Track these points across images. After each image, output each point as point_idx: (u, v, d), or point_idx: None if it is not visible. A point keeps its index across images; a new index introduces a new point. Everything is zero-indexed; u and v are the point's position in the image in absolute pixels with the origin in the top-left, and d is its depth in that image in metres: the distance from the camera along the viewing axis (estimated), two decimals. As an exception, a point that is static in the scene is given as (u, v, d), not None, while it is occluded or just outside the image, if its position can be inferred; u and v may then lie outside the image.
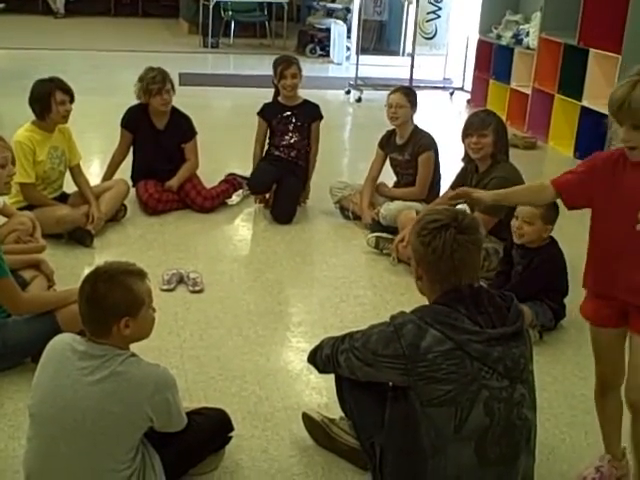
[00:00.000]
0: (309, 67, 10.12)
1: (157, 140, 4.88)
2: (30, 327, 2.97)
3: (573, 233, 4.82)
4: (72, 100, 4.30)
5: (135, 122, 4.90)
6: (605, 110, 6.57)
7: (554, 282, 3.60)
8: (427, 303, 2.26)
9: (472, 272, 2.21)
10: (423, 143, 4.63)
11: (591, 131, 6.55)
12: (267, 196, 5.06)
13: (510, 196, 2.81)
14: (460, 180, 4.24)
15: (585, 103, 6.62)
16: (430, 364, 2.09)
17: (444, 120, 7.93)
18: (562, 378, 3.25)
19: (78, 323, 2.29)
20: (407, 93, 4.67)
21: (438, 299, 2.21)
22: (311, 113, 4.99)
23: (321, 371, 2.54)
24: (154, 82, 4.72)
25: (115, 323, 2.21)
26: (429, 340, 2.10)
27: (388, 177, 4.91)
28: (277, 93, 5.02)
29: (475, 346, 2.09)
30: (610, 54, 6.33)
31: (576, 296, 3.87)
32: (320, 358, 2.47)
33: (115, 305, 2.20)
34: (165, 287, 3.82)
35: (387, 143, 4.80)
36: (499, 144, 3.99)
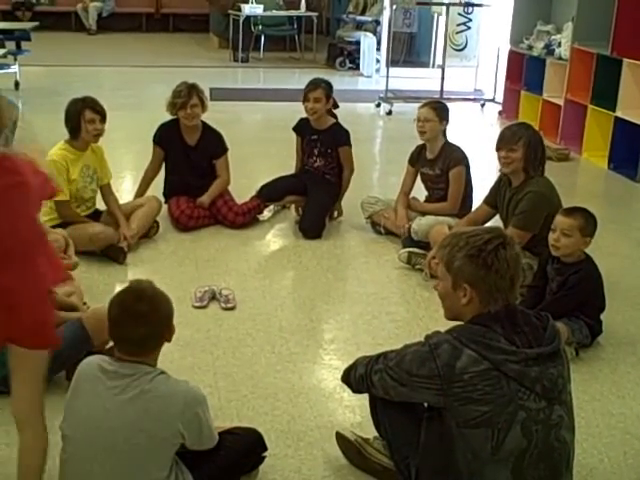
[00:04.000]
0: (339, 80, 10.14)
1: (188, 156, 4.91)
2: (60, 336, 2.99)
3: (608, 246, 4.77)
4: (103, 120, 4.32)
5: (167, 138, 4.93)
6: (639, 120, 6.49)
7: (590, 299, 3.54)
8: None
9: (518, 288, 2.21)
10: (454, 157, 4.59)
11: (626, 142, 6.49)
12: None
13: None
14: (494, 194, 4.20)
15: (619, 114, 6.53)
16: (466, 385, 2.07)
17: (476, 132, 7.89)
18: (599, 396, 3.19)
19: (104, 325, 2.32)
20: (435, 107, 4.62)
21: (474, 319, 2.18)
22: (336, 140, 4.97)
23: (355, 391, 2.52)
24: (179, 96, 4.75)
25: (165, 336, 2.28)
26: (465, 360, 2.08)
27: (420, 192, 4.88)
28: None
29: (512, 366, 2.06)
30: (644, 64, 6.26)
31: (612, 312, 3.85)
32: (354, 378, 2.45)
33: (167, 317, 2.28)
34: (198, 304, 3.83)
35: (417, 158, 4.77)
36: (531, 158, 3.92)
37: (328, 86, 4.94)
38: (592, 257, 3.58)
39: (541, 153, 3.97)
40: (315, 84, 4.91)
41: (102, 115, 4.31)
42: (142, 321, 2.22)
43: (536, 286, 3.66)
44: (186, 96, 4.74)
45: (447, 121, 4.64)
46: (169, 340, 2.33)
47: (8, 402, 2.92)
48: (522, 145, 3.92)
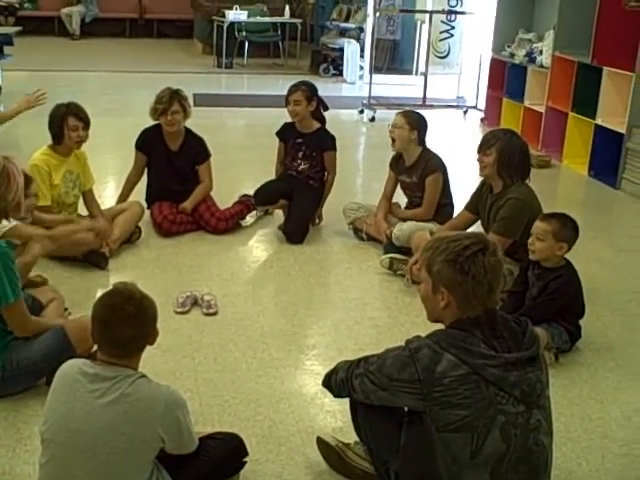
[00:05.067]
0: (322, 87, 10.08)
1: (171, 162, 4.91)
2: (41, 344, 3.01)
3: (588, 252, 4.82)
4: (87, 127, 4.32)
5: (149, 144, 4.93)
6: (619, 128, 6.58)
7: (570, 305, 3.57)
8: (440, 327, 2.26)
9: (498, 294, 2.22)
10: (430, 165, 4.60)
11: (606, 149, 6.55)
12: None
13: None
14: (475, 200, 4.23)
15: (599, 121, 6.60)
16: (445, 389, 2.09)
17: (458, 139, 7.94)
18: (578, 401, 3.22)
19: (87, 333, 2.33)
20: (407, 115, 4.63)
21: (454, 323, 2.20)
22: (321, 144, 4.99)
23: (336, 395, 2.53)
24: (161, 102, 4.75)
25: (150, 338, 2.31)
26: (445, 365, 2.10)
27: (402, 199, 4.90)
28: None
29: (491, 370, 2.08)
30: (624, 72, 6.33)
31: (592, 317, 3.89)
32: (335, 382, 2.46)
33: (153, 320, 2.31)
34: (179, 310, 3.83)
35: (396, 165, 4.80)
36: (504, 164, 3.92)
37: (309, 88, 4.94)
38: (572, 263, 3.62)
39: (518, 160, 3.96)
40: (295, 86, 4.94)
41: (85, 122, 4.31)
42: (130, 323, 2.23)
43: (517, 291, 3.69)
44: (167, 102, 4.74)
45: (420, 131, 4.61)
46: (152, 343, 2.35)
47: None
48: (495, 150, 3.94)
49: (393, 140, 4.65)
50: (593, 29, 6.63)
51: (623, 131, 6.31)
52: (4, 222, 3.30)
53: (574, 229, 3.53)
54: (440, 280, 2.19)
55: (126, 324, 2.22)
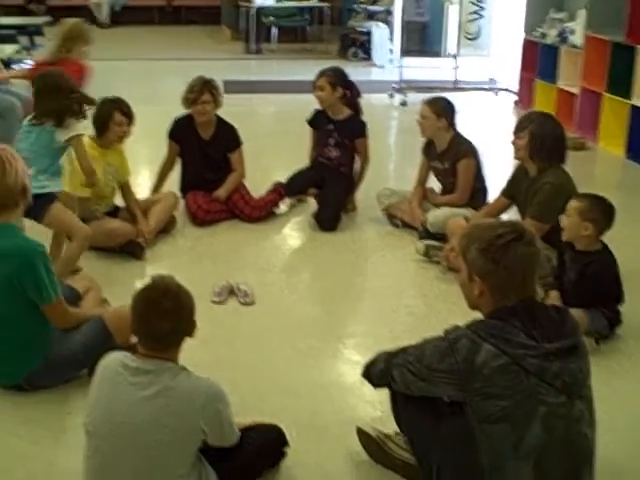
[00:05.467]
0: (352, 71, 9.97)
1: (203, 151, 4.92)
2: (81, 335, 3.05)
3: (625, 235, 4.75)
4: (131, 122, 4.37)
5: (181, 133, 4.95)
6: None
7: (607, 290, 3.53)
8: (479, 316, 2.24)
9: (535, 284, 2.20)
10: (462, 150, 4.57)
11: (642, 130, 6.45)
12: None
13: None
14: (511, 185, 4.19)
15: (635, 102, 6.49)
16: (485, 379, 2.07)
17: (491, 122, 7.86)
18: (621, 390, 3.19)
19: (125, 324, 2.36)
20: (432, 103, 4.59)
21: (492, 313, 2.19)
22: (353, 131, 4.98)
23: (375, 385, 2.53)
24: (192, 91, 4.77)
25: (188, 331, 2.33)
26: (484, 355, 2.08)
27: (437, 185, 4.87)
28: None
29: (531, 361, 2.07)
30: (660, 51, 6.22)
31: (631, 303, 3.83)
32: (374, 373, 2.46)
33: (190, 313, 2.33)
34: (216, 299, 3.85)
35: (428, 151, 4.76)
36: (535, 148, 3.89)
37: (335, 74, 4.93)
38: (609, 247, 3.57)
39: (551, 144, 3.91)
40: (322, 72, 4.95)
41: (130, 118, 4.36)
42: (167, 317, 2.25)
43: (560, 275, 3.65)
44: (198, 92, 4.75)
45: (447, 117, 4.57)
46: (191, 335, 2.36)
47: (30, 400, 2.98)
48: (528, 133, 3.92)
49: (422, 130, 4.62)
50: (627, 7, 6.51)
51: (660, 111, 6.21)
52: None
53: (604, 212, 3.47)
54: (474, 268, 2.19)
55: (163, 318, 2.24)
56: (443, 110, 4.57)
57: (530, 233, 2.20)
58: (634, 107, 6.49)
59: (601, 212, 3.47)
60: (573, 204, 3.50)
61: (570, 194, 3.83)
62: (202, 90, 4.76)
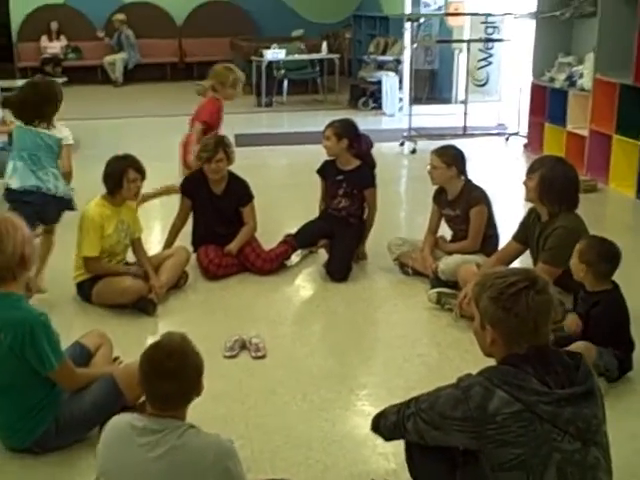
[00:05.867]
0: (362, 120, 10.12)
1: (216, 205, 4.96)
2: (92, 394, 3.03)
3: (636, 278, 4.71)
4: (143, 178, 4.43)
5: (194, 189, 5.00)
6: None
7: (618, 330, 3.49)
8: (492, 363, 2.23)
9: (548, 330, 2.19)
10: (474, 197, 4.58)
11: (653, 171, 6.44)
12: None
13: None
14: (523, 230, 4.18)
15: (645, 142, 6.50)
16: (499, 427, 2.06)
17: (501, 167, 7.87)
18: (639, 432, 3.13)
19: (136, 381, 2.34)
20: (441, 154, 4.61)
21: (505, 359, 2.18)
22: (362, 181, 5.02)
23: (387, 439, 2.50)
24: (206, 150, 4.82)
25: (194, 392, 2.30)
26: (497, 402, 2.07)
27: (447, 232, 4.87)
28: None
29: (544, 407, 2.05)
30: (668, 92, 6.24)
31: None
32: (385, 426, 2.43)
33: (196, 374, 2.30)
34: (228, 354, 3.84)
35: (439, 199, 4.78)
36: (544, 191, 3.90)
37: (341, 125, 5.00)
38: (619, 288, 3.54)
39: (561, 188, 3.90)
40: (329, 123, 5.02)
41: (143, 174, 4.41)
42: (171, 378, 2.23)
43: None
44: (212, 151, 4.81)
45: (457, 165, 4.59)
46: (199, 395, 2.34)
47: (39, 461, 2.96)
48: (538, 175, 3.93)
49: (432, 179, 4.65)
50: (634, 49, 6.55)
51: (670, 151, 6.21)
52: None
53: (599, 254, 3.46)
54: (486, 316, 2.19)
55: (167, 379, 2.23)
56: (452, 159, 4.60)
57: (543, 280, 2.19)
58: (644, 148, 6.50)
59: (596, 254, 3.47)
60: (577, 245, 3.53)
61: (582, 238, 3.82)
62: (216, 149, 4.82)
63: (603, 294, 3.49)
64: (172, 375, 2.22)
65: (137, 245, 4.60)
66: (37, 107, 4.52)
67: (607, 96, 6.99)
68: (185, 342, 2.32)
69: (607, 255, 3.48)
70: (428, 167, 4.67)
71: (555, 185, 3.91)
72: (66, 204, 4.61)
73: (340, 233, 4.97)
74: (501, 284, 2.16)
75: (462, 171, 4.64)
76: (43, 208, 4.48)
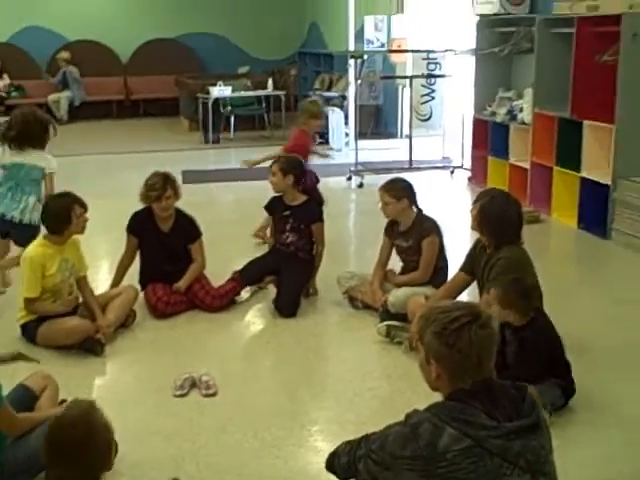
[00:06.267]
0: (309, 156, 10.25)
1: (163, 243, 4.93)
2: (38, 439, 2.92)
3: (583, 306, 4.81)
4: (86, 211, 4.38)
5: (140, 227, 4.96)
6: (605, 180, 6.69)
7: (552, 357, 3.53)
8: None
9: (492, 365, 2.20)
10: (426, 227, 4.64)
11: (593, 201, 6.60)
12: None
13: None
14: (470, 261, 4.23)
15: (584, 174, 6.68)
16: (449, 464, 2.05)
17: (447, 199, 7.99)
18: (589, 462, 3.18)
19: None
20: (389, 189, 4.65)
21: (452, 395, 2.18)
22: (308, 215, 5.05)
23: (341, 479, 2.48)
24: (153, 189, 4.80)
25: (106, 465, 2.12)
26: (446, 439, 2.06)
27: (397, 266, 4.91)
28: None
29: (494, 442, 2.05)
30: (604, 125, 6.43)
31: (592, 372, 3.87)
32: (339, 466, 2.42)
33: (108, 446, 2.10)
34: (178, 393, 3.79)
35: (391, 230, 4.83)
36: (483, 223, 3.97)
37: (287, 161, 5.04)
38: (544, 312, 3.63)
39: (498, 221, 3.93)
40: (275, 160, 5.06)
41: (86, 208, 4.37)
42: (72, 455, 2.05)
43: (503, 352, 3.65)
44: (161, 189, 4.79)
45: (409, 196, 4.65)
46: (109, 470, 2.18)
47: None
48: (477, 207, 4.00)
49: (386, 215, 4.71)
50: (570, 84, 6.75)
51: (609, 182, 6.39)
52: None
53: (518, 293, 3.50)
54: (430, 351, 2.18)
55: (67, 457, 2.05)
56: (402, 192, 4.65)
57: (486, 315, 2.19)
58: (583, 179, 6.68)
59: (515, 295, 3.49)
60: (491, 292, 3.55)
61: (525, 269, 3.90)
62: (165, 186, 4.81)
63: (532, 321, 3.53)
64: (74, 452, 2.03)
65: (83, 284, 4.53)
66: (37, 134, 5.12)
67: (546, 129, 7.17)
68: (91, 412, 2.14)
69: (525, 292, 3.52)
70: (379, 204, 4.70)
71: (491, 219, 3.96)
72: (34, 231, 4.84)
73: (288, 268, 4.98)
74: (444, 319, 2.15)
75: (413, 202, 4.70)
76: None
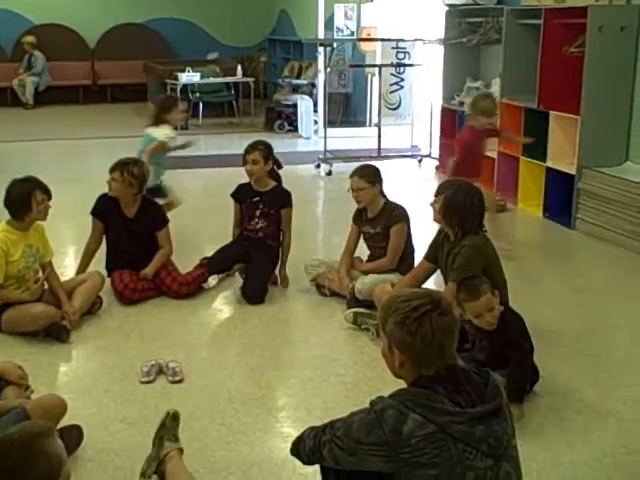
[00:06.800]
0: (278, 143, 10.23)
1: (129, 229, 4.90)
2: (2, 429, 2.91)
3: (548, 293, 4.88)
4: (49, 198, 4.33)
5: (105, 210, 4.93)
6: (570, 170, 6.75)
7: (522, 344, 3.58)
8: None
9: (454, 351, 2.22)
10: (395, 215, 4.68)
11: (558, 191, 6.70)
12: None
13: None
14: (433, 249, 4.26)
15: (550, 164, 6.76)
16: (414, 449, 2.07)
17: (415, 188, 8.04)
18: (549, 445, 3.24)
19: (49, 414, 2.21)
20: (363, 174, 4.68)
21: (416, 381, 2.20)
22: (278, 201, 5.04)
23: (306, 463, 2.49)
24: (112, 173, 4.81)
25: None
26: (411, 425, 2.08)
27: (364, 253, 4.94)
28: None
29: (457, 427, 2.08)
30: (570, 115, 6.51)
31: (555, 359, 3.94)
32: (304, 451, 2.43)
33: (51, 477, 1.93)
34: (144, 379, 3.78)
35: (359, 218, 4.85)
36: (447, 214, 3.98)
37: (266, 148, 5.02)
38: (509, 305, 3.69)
39: (462, 212, 3.95)
40: (252, 146, 5.01)
41: (49, 194, 4.32)
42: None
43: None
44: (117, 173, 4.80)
45: (380, 182, 4.70)
46: None
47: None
48: (441, 199, 4.02)
49: (358, 202, 4.71)
50: (537, 75, 6.82)
51: (573, 172, 6.47)
52: None
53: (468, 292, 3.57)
54: (392, 340, 2.20)
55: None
56: (374, 176, 4.69)
57: (446, 302, 2.21)
58: (549, 169, 6.76)
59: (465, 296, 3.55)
60: (458, 299, 3.57)
61: (487, 256, 3.94)
62: (122, 172, 4.80)
63: (499, 326, 3.55)
64: (5, 475, 1.87)
65: (47, 269, 4.49)
66: None
67: (513, 119, 7.24)
68: (38, 438, 1.95)
69: (473, 292, 3.56)
70: (351, 192, 4.70)
71: (458, 209, 3.98)
72: None
73: (256, 255, 4.98)
74: (405, 308, 2.17)
75: (382, 189, 4.73)
76: None
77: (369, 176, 4.67)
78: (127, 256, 4.90)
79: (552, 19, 6.67)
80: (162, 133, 6.02)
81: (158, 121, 6.16)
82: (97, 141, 10.76)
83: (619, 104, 6.39)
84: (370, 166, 4.85)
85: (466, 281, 3.65)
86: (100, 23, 14.87)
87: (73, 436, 3.11)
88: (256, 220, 5.06)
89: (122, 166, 4.82)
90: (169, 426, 3.06)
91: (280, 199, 5.05)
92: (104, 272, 4.88)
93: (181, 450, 3.02)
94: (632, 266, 5.63)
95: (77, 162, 9.41)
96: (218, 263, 5.08)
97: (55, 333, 4.24)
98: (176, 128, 6.23)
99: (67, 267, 5.30)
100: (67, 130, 11.72)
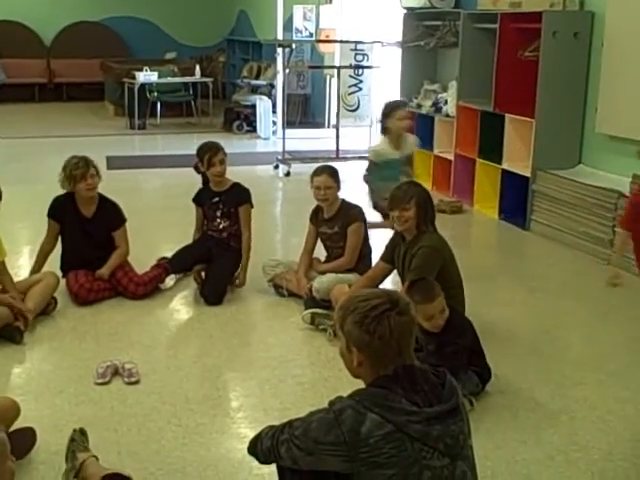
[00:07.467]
0: (237, 143, 10.24)
1: (85, 229, 4.85)
2: None
3: (503, 295, 4.94)
4: (0, 199, 4.25)
5: (62, 211, 4.86)
6: (525, 172, 6.86)
7: (472, 348, 3.62)
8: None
9: (412, 351, 2.24)
10: (352, 214, 4.71)
11: (513, 192, 6.79)
12: (202, 275, 5.06)
13: None
14: (390, 250, 4.30)
15: (505, 166, 6.85)
16: (371, 449, 2.08)
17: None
18: (503, 444, 3.28)
19: (7, 415, 2.17)
20: (332, 173, 4.72)
21: (374, 381, 2.21)
22: (237, 198, 5.04)
23: (263, 462, 2.49)
24: (77, 167, 4.71)
25: None
26: (369, 425, 2.09)
27: (322, 254, 4.96)
28: (206, 179, 5.08)
29: (414, 427, 2.09)
30: (524, 118, 6.61)
31: (510, 359, 3.99)
32: (261, 450, 2.43)
33: None
34: (100, 381, 3.74)
35: (316, 218, 4.87)
36: (422, 216, 4.04)
37: (222, 146, 5.05)
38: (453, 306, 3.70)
39: (431, 209, 4.10)
40: (215, 148, 5.00)
41: (0, 194, 4.24)
42: None
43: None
44: (84, 167, 4.71)
45: (340, 182, 4.76)
46: None
47: None
48: (414, 204, 4.03)
49: (325, 200, 4.71)
50: (493, 79, 6.91)
51: (528, 174, 6.57)
52: None
53: (420, 293, 3.53)
54: (351, 340, 2.21)
55: None
56: (338, 176, 4.74)
57: (404, 302, 2.22)
58: (504, 171, 6.86)
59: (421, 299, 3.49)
60: (433, 305, 3.53)
61: (445, 256, 3.99)
62: (87, 165, 4.74)
63: (444, 327, 3.56)
64: None
65: (1, 269, 4.41)
66: None
67: (470, 122, 7.33)
68: None
69: (428, 294, 3.55)
70: (315, 191, 4.70)
71: (429, 208, 4.07)
72: None
73: (218, 256, 4.96)
74: (364, 307, 2.17)
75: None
76: None
77: (336, 175, 4.72)
78: (83, 256, 4.84)
79: (508, 24, 6.77)
80: None
81: None
82: (52, 140, 10.62)
83: (573, 108, 6.50)
84: (331, 166, 4.89)
85: (419, 283, 3.65)
86: (56, 21, 14.70)
87: (26, 438, 3.07)
88: (218, 221, 5.05)
89: (89, 161, 4.77)
90: (78, 440, 3.04)
91: (238, 196, 5.04)
92: (59, 272, 4.82)
93: (96, 458, 2.98)
94: (584, 267, 5.74)
95: (32, 161, 9.28)
96: (179, 263, 5.05)
97: (8, 334, 4.18)
98: None
99: (21, 267, 5.22)
100: (21, 129, 11.56)
